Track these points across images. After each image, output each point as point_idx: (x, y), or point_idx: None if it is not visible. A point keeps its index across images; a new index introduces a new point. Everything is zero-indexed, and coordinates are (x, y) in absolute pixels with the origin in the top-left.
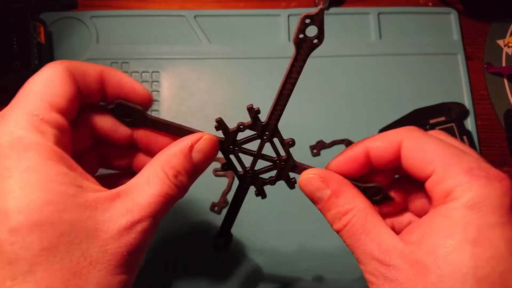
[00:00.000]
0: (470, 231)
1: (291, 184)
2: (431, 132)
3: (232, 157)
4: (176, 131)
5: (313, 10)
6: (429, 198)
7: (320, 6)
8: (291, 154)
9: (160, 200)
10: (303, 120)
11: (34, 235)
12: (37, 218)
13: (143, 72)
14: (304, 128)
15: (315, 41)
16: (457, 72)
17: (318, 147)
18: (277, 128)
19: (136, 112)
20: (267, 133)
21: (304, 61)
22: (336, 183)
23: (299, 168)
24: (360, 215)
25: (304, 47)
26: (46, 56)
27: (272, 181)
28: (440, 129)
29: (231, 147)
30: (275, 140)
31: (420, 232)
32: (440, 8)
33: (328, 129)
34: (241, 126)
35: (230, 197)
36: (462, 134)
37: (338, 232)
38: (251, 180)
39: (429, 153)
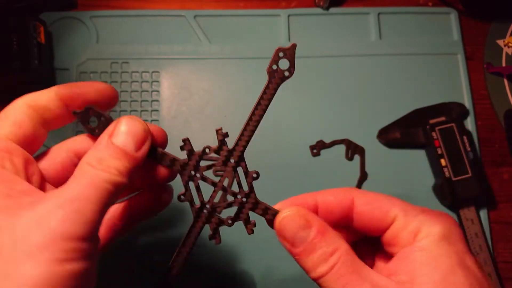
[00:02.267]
0: (453, 257)
1: (250, 227)
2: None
3: (191, 185)
4: None
5: (287, 45)
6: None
7: (292, 43)
8: (253, 189)
9: (87, 187)
10: (303, 120)
11: None
12: None
13: (143, 72)
14: (304, 128)
15: (286, 73)
16: (457, 72)
17: (318, 147)
18: (243, 156)
19: (103, 117)
20: (232, 160)
21: (275, 90)
22: (318, 221)
23: (261, 206)
24: (348, 255)
25: (276, 77)
26: (46, 56)
27: (229, 221)
28: (440, 129)
29: (193, 172)
30: (240, 170)
31: (406, 270)
32: (440, 8)
33: (328, 129)
34: (207, 149)
35: (230, 197)
36: (462, 134)
37: (320, 278)
38: (206, 217)
39: (385, 203)
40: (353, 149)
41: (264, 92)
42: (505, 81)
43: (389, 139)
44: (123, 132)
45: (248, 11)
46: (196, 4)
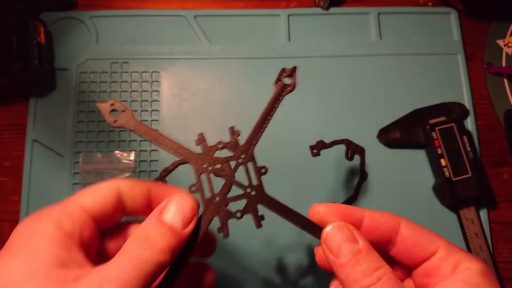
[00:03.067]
0: None
1: (258, 220)
2: None
3: (203, 177)
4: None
5: (289, 67)
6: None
7: (294, 66)
8: (262, 183)
9: (128, 266)
10: (303, 120)
11: None
12: (4, 279)
13: (143, 72)
14: (304, 128)
15: (288, 88)
16: (457, 72)
17: (318, 147)
18: (253, 152)
19: (125, 110)
20: (243, 156)
21: (279, 100)
22: (365, 239)
23: (269, 200)
24: (392, 274)
25: (279, 90)
26: (46, 56)
27: (238, 214)
28: (440, 129)
29: (205, 164)
30: (250, 165)
31: None
32: (440, 8)
33: (328, 129)
34: (220, 145)
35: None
36: (462, 134)
37: None
38: (216, 208)
39: (431, 234)
40: (353, 149)
41: (271, 101)
42: (505, 81)
43: (389, 139)
44: (173, 209)
45: (248, 11)
46: (196, 4)
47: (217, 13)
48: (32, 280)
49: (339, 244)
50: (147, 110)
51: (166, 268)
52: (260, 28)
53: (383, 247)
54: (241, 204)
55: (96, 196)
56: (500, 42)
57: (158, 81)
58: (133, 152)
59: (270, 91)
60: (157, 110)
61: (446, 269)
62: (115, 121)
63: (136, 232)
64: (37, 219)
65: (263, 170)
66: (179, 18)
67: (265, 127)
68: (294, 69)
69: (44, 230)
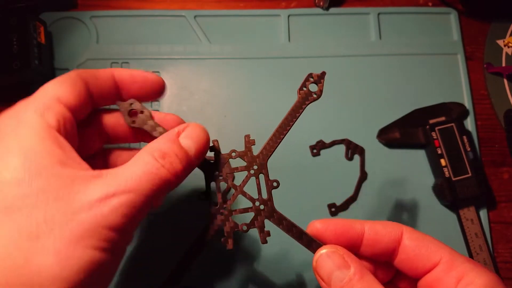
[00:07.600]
0: None
1: (264, 236)
2: None
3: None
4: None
5: (317, 72)
6: None
7: (322, 71)
8: (272, 197)
9: (144, 178)
10: (303, 120)
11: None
12: (3, 178)
13: None
14: (304, 128)
15: (314, 95)
16: (457, 72)
17: (318, 147)
18: (266, 164)
19: (143, 112)
20: (255, 167)
21: (302, 109)
22: (357, 262)
23: (277, 217)
24: None
25: (304, 97)
26: (46, 56)
27: (244, 227)
28: (440, 129)
29: (217, 172)
30: (261, 177)
31: None
32: (440, 8)
33: (328, 129)
34: (233, 154)
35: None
36: (462, 134)
37: None
38: (223, 219)
39: (433, 243)
40: (353, 149)
41: (293, 110)
42: (505, 81)
43: (389, 139)
44: (190, 135)
45: (248, 11)
46: (196, 4)
47: (217, 13)
48: (38, 180)
49: (330, 271)
50: None
51: (171, 190)
52: (260, 28)
53: (387, 259)
54: (249, 216)
55: (67, 86)
56: (500, 42)
57: None
58: None
59: (269, 91)
60: (157, 110)
61: (449, 283)
62: (133, 121)
63: (152, 147)
64: (17, 113)
65: (274, 184)
66: (179, 18)
67: (282, 138)
68: (322, 75)
69: (30, 124)
